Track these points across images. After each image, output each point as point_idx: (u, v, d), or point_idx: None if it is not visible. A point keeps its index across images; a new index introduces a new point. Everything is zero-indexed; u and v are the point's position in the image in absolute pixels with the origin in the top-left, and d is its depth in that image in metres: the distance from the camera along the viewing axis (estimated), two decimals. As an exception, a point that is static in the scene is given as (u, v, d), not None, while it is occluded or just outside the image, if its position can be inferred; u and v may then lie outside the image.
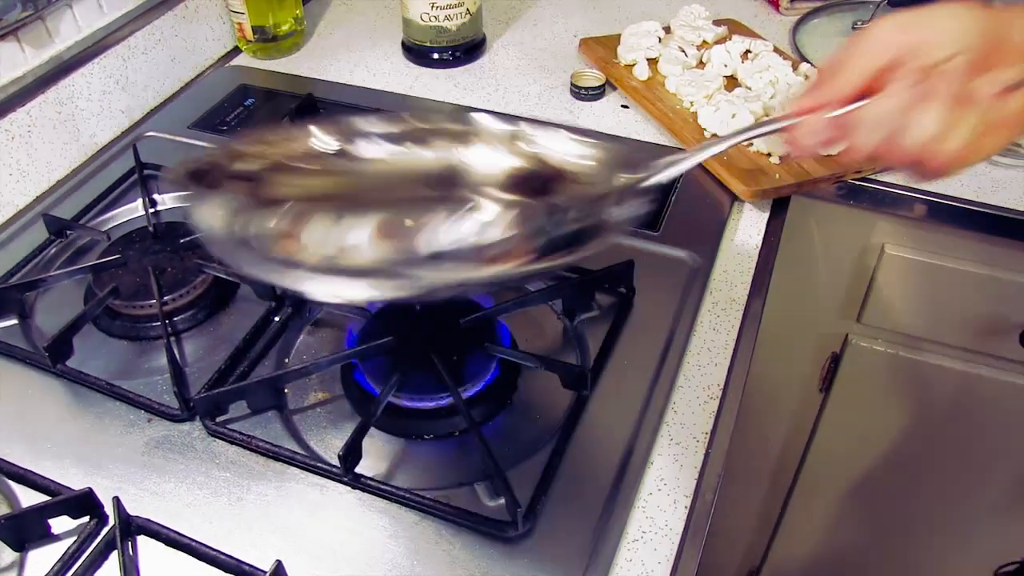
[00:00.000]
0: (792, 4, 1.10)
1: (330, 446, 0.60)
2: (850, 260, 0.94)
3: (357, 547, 0.53)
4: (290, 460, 0.58)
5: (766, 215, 0.80)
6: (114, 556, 0.52)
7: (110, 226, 0.81)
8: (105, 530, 0.53)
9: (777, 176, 0.80)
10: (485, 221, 0.42)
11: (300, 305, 0.69)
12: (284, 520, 0.55)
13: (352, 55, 1.07)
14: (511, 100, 0.97)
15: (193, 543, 0.52)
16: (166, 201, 0.83)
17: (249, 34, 1.03)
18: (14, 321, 0.69)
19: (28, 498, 0.55)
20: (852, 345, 1.00)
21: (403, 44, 1.06)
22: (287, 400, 0.63)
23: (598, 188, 0.51)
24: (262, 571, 0.50)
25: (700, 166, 0.82)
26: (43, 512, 0.53)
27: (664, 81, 0.94)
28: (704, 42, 1.00)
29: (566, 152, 0.55)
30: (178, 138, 0.91)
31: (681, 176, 0.50)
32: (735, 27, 1.04)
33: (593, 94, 0.96)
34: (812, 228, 0.93)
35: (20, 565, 0.52)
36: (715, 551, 1.33)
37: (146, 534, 0.54)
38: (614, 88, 0.97)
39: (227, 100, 0.97)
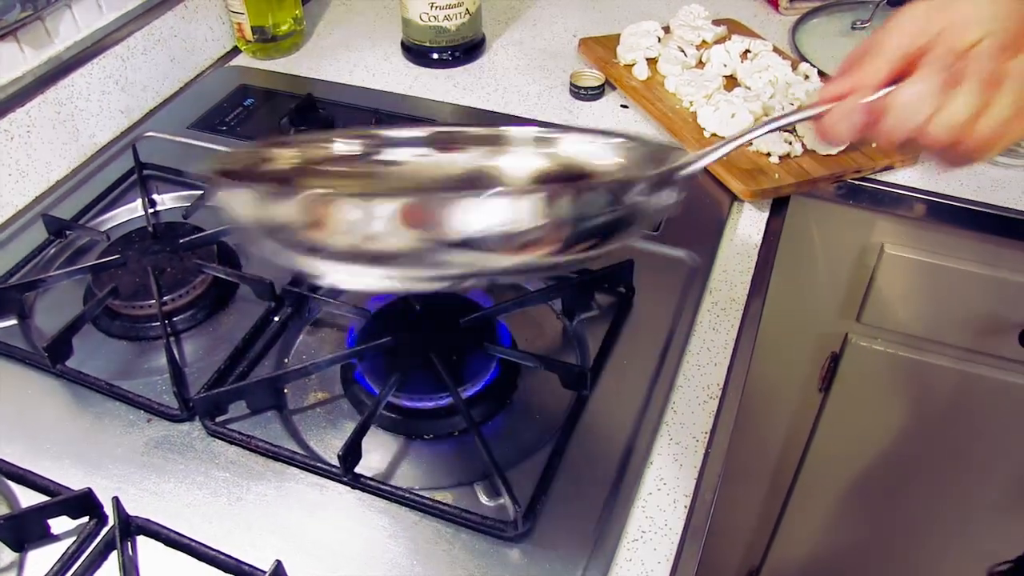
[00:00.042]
0: (791, 4, 1.10)
1: (330, 446, 0.60)
2: (850, 260, 0.94)
3: (357, 547, 0.53)
4: (290, 460, 0.58)
5: (766, 215, 0.80)
6: (114, 556, 0.52)
7: (109, 226, 0.81)
8: (105, 530, 0.53)
9: (776, 176, 0.80)
10: (515, 205, 0.41)
11: (299, 305, 0.69)
12: (284, 520, 0.55)
13: (351, 55, 1.07)
14: (510, 100, 0.97)
15: (193, 543, 0.52)
16: (165, 201, 0.83)
17: (248, 34, 1.03)
18: (14, 321, 0.69)
19: (28, 498, 0.55)
20: (852, 345, 1.00)
21: (402, 44, 1.06)
22: (287, 400, 0.63)
23: (629, 174, 0.51)
24: (262, 571, 0.50)
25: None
26: (43, 512, 0.53)
27: (663, 81, 0.94)
28: (703, 42, 1.00)
29: (593, 154, 0.55)
30: (177, 138, 0.91)
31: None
32: (734, 27, 1.04)
33: (592, 94, 0.96)
34: (812, 228, 0.93)
35: (20, 565, 0.52)
36: (715, 551, 1.34)
37: (146, 534, 0.54)
38: (613, 88, 0.97)
39: (226, 100, 0.97)
